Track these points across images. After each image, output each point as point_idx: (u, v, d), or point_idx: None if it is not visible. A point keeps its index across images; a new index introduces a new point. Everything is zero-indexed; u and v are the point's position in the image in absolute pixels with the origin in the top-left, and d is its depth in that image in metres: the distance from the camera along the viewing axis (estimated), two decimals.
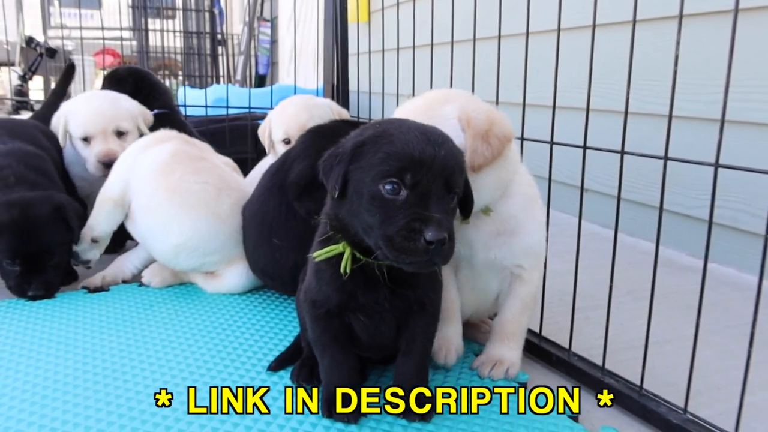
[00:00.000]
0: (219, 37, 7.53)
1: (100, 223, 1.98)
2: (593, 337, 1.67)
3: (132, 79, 2.56)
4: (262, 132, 2.27)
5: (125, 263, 2.09)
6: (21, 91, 5.33)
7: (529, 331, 1.61)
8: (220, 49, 7.55)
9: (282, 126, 2.18)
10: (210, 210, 1.91)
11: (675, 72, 1.15)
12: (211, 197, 1.92)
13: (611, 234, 2.38)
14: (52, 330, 1.64)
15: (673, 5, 1.11)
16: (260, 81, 7.64)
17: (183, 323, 1.69)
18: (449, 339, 1.44)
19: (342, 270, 1.15)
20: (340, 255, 1.17)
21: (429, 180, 1.06)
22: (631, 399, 1.29)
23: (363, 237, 1.12)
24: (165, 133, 2.12)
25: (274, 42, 8.08)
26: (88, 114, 2.22)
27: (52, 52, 5.34)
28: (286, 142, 2.15)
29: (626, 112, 1.26)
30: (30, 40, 5.22)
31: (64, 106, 2.31)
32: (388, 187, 1.06)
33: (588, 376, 1.39)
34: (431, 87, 1.64)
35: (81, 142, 2.24)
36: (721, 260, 2.29)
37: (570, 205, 2.98)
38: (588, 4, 2.62)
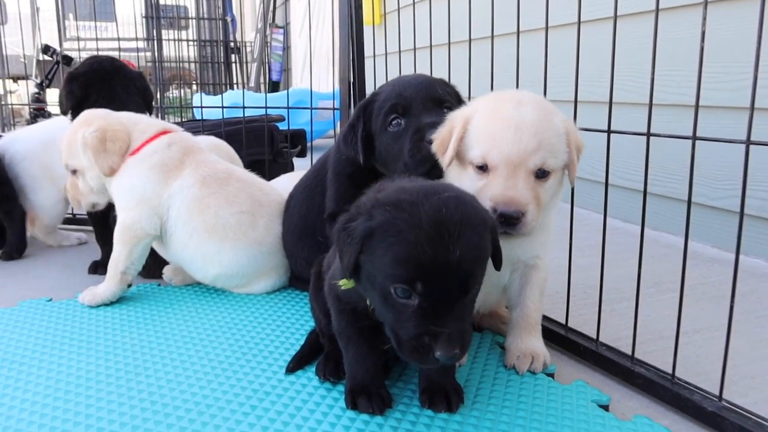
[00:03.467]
0: (232, 44, 7.58)
1: (135, 262, 1.85)
2: (620, 329, 1.63)
3: (84, 81, 2.26)
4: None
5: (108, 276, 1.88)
6: (38, 99, 5.40)
7: (555, 323, 1.59)
8: (233, 57, 7.59)
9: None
10: (248, 239, 1.89)
11: (702, 49, 1.12)
12: (247, 226, 1.90)
13: (632, 228, 2.35)
14: (74, 328, 1.64)
15: None
16: (273, 87, 7.67)
17: (204, 321, 1.68)
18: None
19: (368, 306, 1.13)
20: None
21: (442, 287, 0.98)
22: (663, 387, 1.25)
23: (379, 317, 1.09)
24: (169, 141, 1.92)
25: (286, 48, 8.12)
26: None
27: (68, 60, 5.40)
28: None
29: (651, 93, 1.23)
30: (46, 48, 5.28)
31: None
32: (399, 291, 1.00)
33: (617, 366, 1.36)
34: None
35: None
36: (749, 251, 2.24)
37: (590, 200, 2.94)
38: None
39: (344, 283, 1.14)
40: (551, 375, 1.36)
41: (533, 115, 1.25)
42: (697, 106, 1.14)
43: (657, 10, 1.23)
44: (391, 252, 0.98)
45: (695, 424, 1.20)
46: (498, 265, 1.13)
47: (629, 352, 1.37)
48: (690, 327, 1.63)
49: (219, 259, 1.86)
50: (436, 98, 1.51)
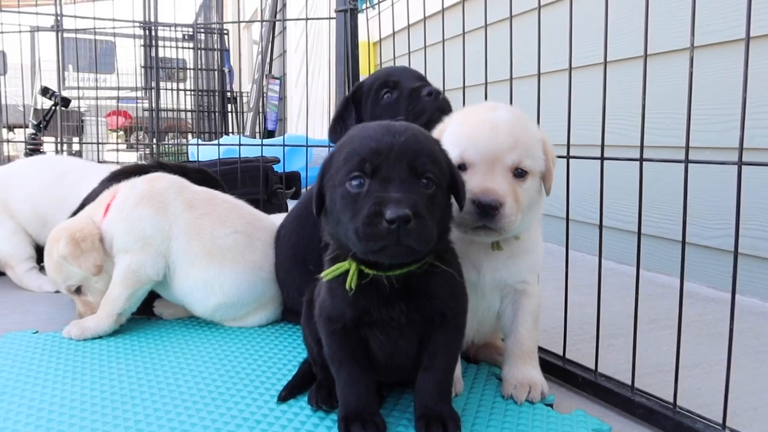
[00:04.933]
0: (229, 94, 7.71)
1: (133, 305, 1.83)
2: (617, 362, 1.61)
3: None
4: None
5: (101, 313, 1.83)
6: (34, 140, 5.43)
7: (553, 354, 1.57)
8: (229, 106, 7.71)
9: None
10: (246, 261, 1.87)
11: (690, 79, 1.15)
12: (244, 247, 1.89)
13: (626, 269, 2.36)
14: (60, 360, 1.60)
15: (678, 40, 1.12)
16: (269, 136, 7.77)
17: (194, 353, 1.64)
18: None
19: (347, 286, 1.12)
20: (348, 272, 1.14)
21: (389, 164, 1.04)
22: (665, 417, 1.22)
23: (347, 243, 1.09)
24: (129, 185, 1.91)
25: (281, 99, 8.27)
26: None
27: (66, 102, 5.45)
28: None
29: (643, 114, 1.25)
30: (45, 90, 5.34)
31: None
32: (354, 182, 1.05)
33: (617, 396, 1.33)
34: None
35: None
36: (744, 290, 2.23)
37: (584, 243, 2.95)
38: (595, 44, 2.69)
39: (326, 273, 1.15)
40: (550, 405, 1.33)
41: (508, 116, 1.27)
42: (688, 130, 1.15)
43: (645, 55, 1.27)
44: (344, 153, 1.08)
45: None
46: (462, 199, 1.16)
47: (628, 383, 1.34)
48: (689, 361, 1.61)
49: (220, 284, 1.82)
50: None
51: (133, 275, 1.79)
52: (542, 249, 1.45)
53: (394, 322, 1.15)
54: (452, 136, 1.30)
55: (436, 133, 1.34)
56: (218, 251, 1.84)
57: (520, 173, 1.26)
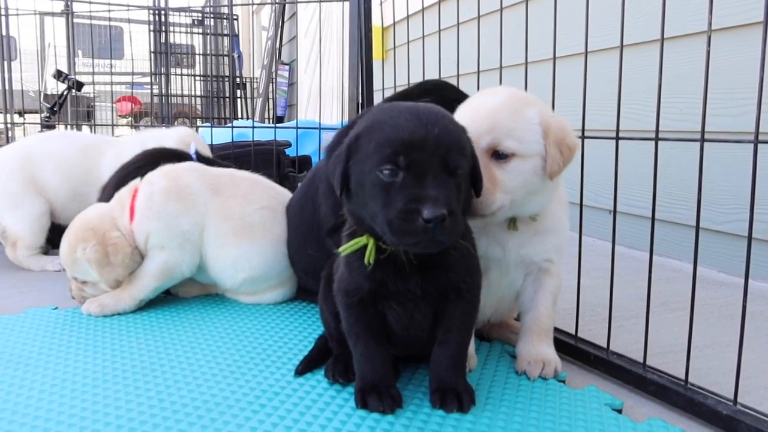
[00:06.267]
0: (238, 80, 7.72)
1: (158, 293, 1.88)
2: (629, 343, 1.62)
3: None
4: None
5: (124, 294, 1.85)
6: (48, 125, 5.47)
7: (565, 333, 1.58)
8: (239, 92, 7.72)
9: None
10: (273, 235, 1.91)
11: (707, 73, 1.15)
12: (271, 222, 1.92)
13: (637, 254, 2.37)
14: (80, 335, 1.63)
15: (692, 24, 1.12)
16: (278, 122, 7.78)
17: (210, 328, 1.67)
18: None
19: (366, 261, 1.15)
20: (365, 246, 1.16)
21: (423, 160, 1.05)
22: (676, 393, 1.24)
23: (373, 226, 1.11)
24: (148, 180, 1.89)
25: (291, 84, 8.26)
26: None
27: (80, 85, 5.49)
28: None
29: (660, 94, 1.25)
30: (59, 74, 5.38)
31: None
32: (385, 172, 1.06)
33: (629, 373, 1.35)
34: None
35: None
36: (756, 275, 2.23)
37: (594, 227, 2.96)
38: (608, 29, 2.68)
39: (344, 248, 1.18)
40: (562, 382, 1.35)
41: (496, 101, 1.29)
42: (704, 108, 1.16)
43: (662, 38, 1.27)
44: (374, 141, 1.08)
45: (710, 428, 1.18)
46: (479, 187, 1.18)
47: (640, 361, 1.36)
48: (700, 342, 1.62)
49: (249, 260, 1.86)
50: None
51: (169, 272, 1.84)
52: (568, 230, 1.46)
53: (410, 294, 1.18)
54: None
55: None
56: (247, 228, 1.87)
57: (500, 156, 1.26)
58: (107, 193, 2.08)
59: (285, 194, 2.05)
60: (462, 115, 1.29)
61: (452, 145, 1.08)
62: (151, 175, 1.91)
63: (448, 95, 1.65)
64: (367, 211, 1.12)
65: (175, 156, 2.18)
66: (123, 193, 1.91)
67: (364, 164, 1.09)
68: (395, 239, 1.05)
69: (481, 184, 1.18)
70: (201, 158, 2.33)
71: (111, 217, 1.85)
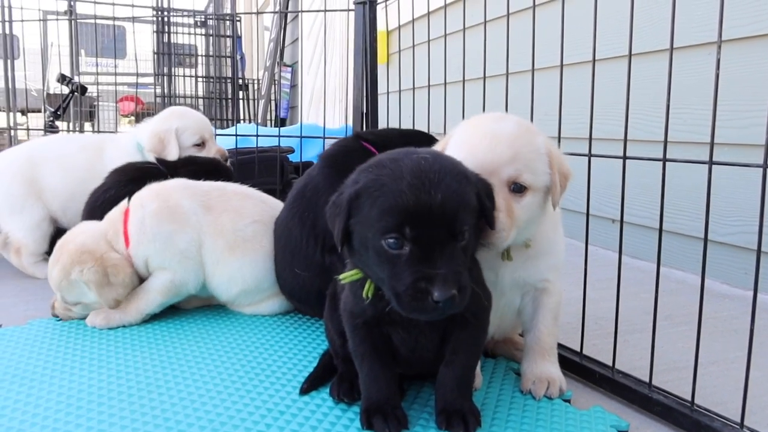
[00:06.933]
0: (240, 81, 7.71)
1: (162, 306, 1.88)
2: (634, 359, 1.62)
3: None
4: None
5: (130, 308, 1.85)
6: (52, 127, 5.48)
7: (570, 350, 1.58)
8: (241, 94, 7.72)
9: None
10: (263, 249, 1.92)
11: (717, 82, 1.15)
12: (262, 235, 1.93)
13: (642, 264, 2.36)
14: (84, 347, 1.63)
15: (700, 34, 1.12)
16: (280, 124, 7.77)
17: (215, 341, 1.67)
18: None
19: (364, 295, 1.15)
20: (365, 277, 1.16)
21: (430, 230, 1.02)
22: (682, 415, 1.24)
23: (379, 285, 1.11)
24: (137, 202, 1.88)
25: (293, 87, 8.26)
26: None
27: (83, 90, 5.50)
28: None
29: (668, 114, 1.25)
30: (63, 78, 5.38)
31: None
32: (390, 241, 1.03)
33: (634, 393, 1.34)
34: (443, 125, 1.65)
35: None
36: (763, 288, 2.23)
37: (597, 236, 2.95)
38: (615, 38, 2.67)
39: (345, 277, 1.18)
40: (567, 401, 1.35)
41: (512, 128, 1.25)
42: (713, 128, 1.15)
43: (671, 49, 1.27)
44: (377, 205, 1.04)
45: None
46: (491, 224, 1.15)
47: (645, 380, 1.35)
48: (705, 359, 1.62)
49: (242, 275, 1.88)
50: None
51: (175, 290, 1.85)
52: (563, 248, 1.45)
53: (414, 321, 1.17)
54: (455, 145, 1.29)
55: (443, 141, 1.34)
56: (240, 243, 1.88)
57: (518, 188, 1.23)
58: (84, 219, 2.09)
59: (276, 207, 2.04)
60: (475, 141, 1.25)
61: (459, 209, 1.04)
62: (140, 198, 1.89)
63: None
64: (371, 271, 1.11)
65: (141, 171, 2.18)
66: (114, 217, 1.90)
67: (368, 229, 1.06)
68: (404, 312, 1.05)
69: (493, 222, 1.15)
70: (161, 162, 2.34)
71: (106, 240, 1.85)
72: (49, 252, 2.45)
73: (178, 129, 2.50)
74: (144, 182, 1.96)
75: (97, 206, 2.11)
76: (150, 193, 1.91)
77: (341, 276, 1.20)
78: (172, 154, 2.44)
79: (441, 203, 1.02)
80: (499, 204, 1.19)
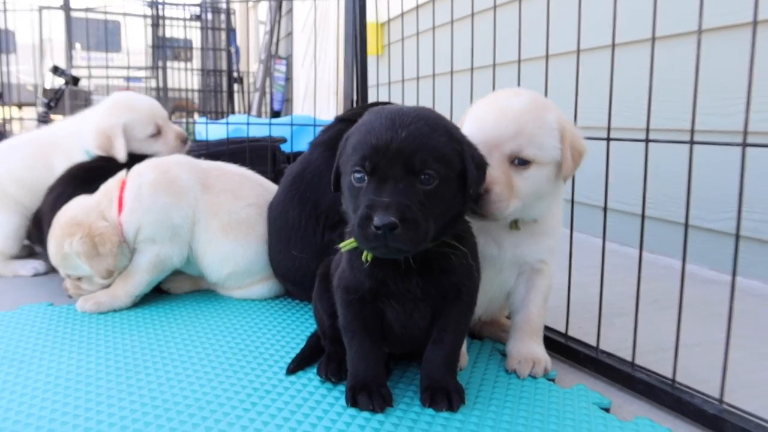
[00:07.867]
0: (235, 74, 7.70)
1: (151, 288, 1.89)
2: (618, 341, 1.64)
3: None
4: None
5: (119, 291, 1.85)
6: (45, 119, 5.47)
7: (555, 332, 1.60)
8: (236, 86, 7.70)
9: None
10: (257, 232, 1.93)
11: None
12: (255, 219, 1.94)
13: (629, 251, 2.38)
14: (74, 331, 1.64)
15: (683, 23, 1.13)
16: (275, 116, 7.77)
17: (203, 325, 1.68)
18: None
19: (363, 259, 1.16)
20: None
21: (386, 165, 1.06)
22: (664, 392, 1.26)
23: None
24: (136, 172, 1.89)
25: (288, 79, 8.24)
26: None
27: (76, 80, 5.49)
28: None
29: (650, 95, 1.26)
30: (56, 69, 5.37)
31: None
32: (356, 176, 1.09)
33: (618, 372, 1.36)
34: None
35: None
36: (745, 272, 2.25)
37: (587, 224, 2.97)
38: (601, 28, 2.68)
39: (345, 244, 1.20)
40: (552, 380, 1.37)
41: (521, 104, 1.28)
42: (694, 106, 1.17)
43: (653, 38, 1.28)
44: (351, 143, 1.12)
45: (696, 427, 1.20)
46: (472, 187, 1.15)
47: (629, 360, 1.37)
48: (689, 340, 1.64)
49: (234, 257, 1.89)
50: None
51: (161, 264, 1.85)
52: (561, 231, 1.48)
53: (410, 294, 1.19)
54: (469, 120, 1.34)
55: (464, 115, 1.38)
56: (234, 225, 1.89)
57: (521, 162, 1.27)
58: (46, 219, 1.98)
59: (272, 190, 2.05)
60: (484, 116, 1.30)
61: (420, 148, 1.06)
62: (139, 167, 1.91)
63: None
64: (346, 203, 1.16)
65: (92, 170, 2.12)
66: (111, 185, 1.90)
67: (346, 165, 1.14)
68: (360, 244, 1.09)
69: (473, 185, 1.15)
70: (102, 158, 2.20)
71: (98, 210, 1.84)
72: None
73: (126, 125, 2.24)
74: (96, 183, 1.93)
75: (48, 212, 2.00)
76: (149, 164, 1.92)
77: (342, 244, 1.21)
78: (121, 154, 2.19)
79: (403, 140, 1.06)
80: (497, 176, 1.23)
